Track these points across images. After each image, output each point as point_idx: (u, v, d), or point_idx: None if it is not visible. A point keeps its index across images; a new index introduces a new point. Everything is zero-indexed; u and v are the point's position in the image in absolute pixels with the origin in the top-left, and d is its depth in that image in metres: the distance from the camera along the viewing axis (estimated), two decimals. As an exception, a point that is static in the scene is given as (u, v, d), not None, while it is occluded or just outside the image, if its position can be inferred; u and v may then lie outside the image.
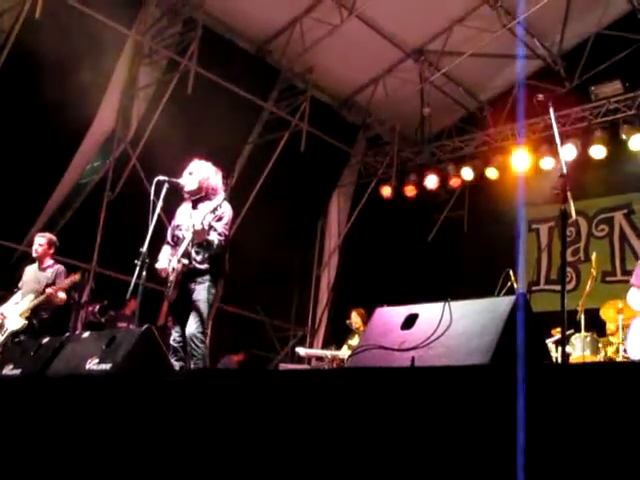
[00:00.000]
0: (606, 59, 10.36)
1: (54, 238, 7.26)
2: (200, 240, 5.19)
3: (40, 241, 7.16)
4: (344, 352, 8.44)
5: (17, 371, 4.45)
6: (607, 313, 7.73)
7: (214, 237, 5.24)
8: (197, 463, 2.79)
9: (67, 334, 5.80)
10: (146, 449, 2.99)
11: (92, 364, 3.87)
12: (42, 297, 6.87)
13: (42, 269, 7.11)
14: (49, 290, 6.85)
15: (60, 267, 7.14)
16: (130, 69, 9.94)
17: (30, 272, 7.18)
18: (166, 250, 5.48)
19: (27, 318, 6.80)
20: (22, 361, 4.53)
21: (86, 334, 4.51)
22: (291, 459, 2.55)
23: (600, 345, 7.40)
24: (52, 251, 7.21)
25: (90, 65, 8.72)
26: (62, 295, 6.95)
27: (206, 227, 5.17)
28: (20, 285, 7.17)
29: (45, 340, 4.91)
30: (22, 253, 9.39)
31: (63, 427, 3.38)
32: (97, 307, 9.12)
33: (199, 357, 5.12)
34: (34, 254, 7.16)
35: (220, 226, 5.31)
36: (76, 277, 7.03)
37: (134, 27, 9.62)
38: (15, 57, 8.52)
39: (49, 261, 7.16)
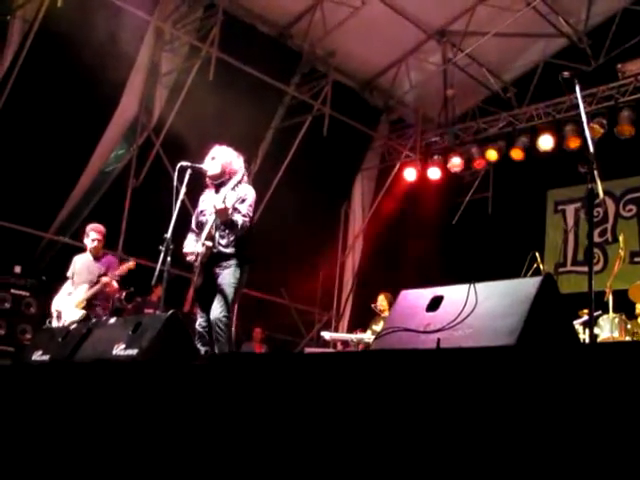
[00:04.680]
0: (634, 36, 10.17)
1: (104, 229, 7.30)
2: (223, 219, 5.18)
3: (96, 236, 7.12)
4: (369, 336, 8.43)
5: (46, 357, 4.51)
6: (636, 294, 7.64)
7: (238, 218, 5.22)
8: (223, 446, 2.81)
9: (94, 320, 5.87)
10: (172, 432, 3.01)
11: (119, 350, 3.91)
12: (98, 286, 6.89)
13: (96, 260, 7.11)
14: (105, 279, 6.84)
15: (112, 257, 7.17)
16: (152, 56, 9.97)
17: (82, 262, 7.14)
18: (191, 237, 5.49)
19: (84, 308, 6.83)
20: (51, 347, 4.58)
21: (112, 320, 4.54)
22: (317, 442, 2.55)
23: (629, 326, 7.32)
24: (104, 242, 7.26)
25: (112, 53, 8.75)
26: (115, 285, 6.97)
27: (228, 206, 5.15)
28: (70, 275, 7.14)
29: (73, 326, 4.96)
30: (48, 241, 9.49)
31: (91, 412, 3.41)
32: (123, 294, 9.19)
33: (224, 341, 5.12)
34: (90, 247, 7.14)
35: (244, 208, 5.29)
36: (131, 265, 7.02)
37: (155, 14, 9.64)
38: (38, 46, 8.57)
39: (101, 252, 7.20)
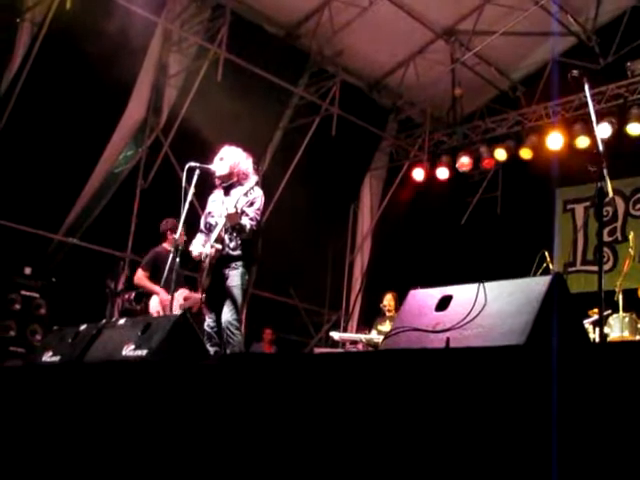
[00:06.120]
0: (643, 34, 10.13)
1: None
2: (233, 224, 5.21)
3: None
4: (378, 336, 8.40)
5: (56, 358, 4.52)
6: (646, 293, 7.60)
7: (246, 222, 5.26)
8: (234, 446, 2.81)
9: (104, 321, 5.87)
10: (182, 433, 3.02)
11: (128, 350, 3.91)
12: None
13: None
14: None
15: None
16: (160, 57, 9.99)
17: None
18: (199, 238, 5.52)
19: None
20: (61, 348, 4.59)
21: (122, 321, 4.55)
22: (327, 441, 2.55)
23: (639, 325, 7.28)
24: None
25: (120, 54, 8.77)
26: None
27: (239, 211, 5.19)
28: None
29: (82, 327, 4.97)
30: (58, 242, 9.52)
31: (101, 412, 3.42)
32: (133, 295, 9.19)
33: (235, 344, 5.15)
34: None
35: (252, 211, 5.32)
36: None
37: (163, 15, 9.66)
38: (47, 48, 8.59)
39: None
